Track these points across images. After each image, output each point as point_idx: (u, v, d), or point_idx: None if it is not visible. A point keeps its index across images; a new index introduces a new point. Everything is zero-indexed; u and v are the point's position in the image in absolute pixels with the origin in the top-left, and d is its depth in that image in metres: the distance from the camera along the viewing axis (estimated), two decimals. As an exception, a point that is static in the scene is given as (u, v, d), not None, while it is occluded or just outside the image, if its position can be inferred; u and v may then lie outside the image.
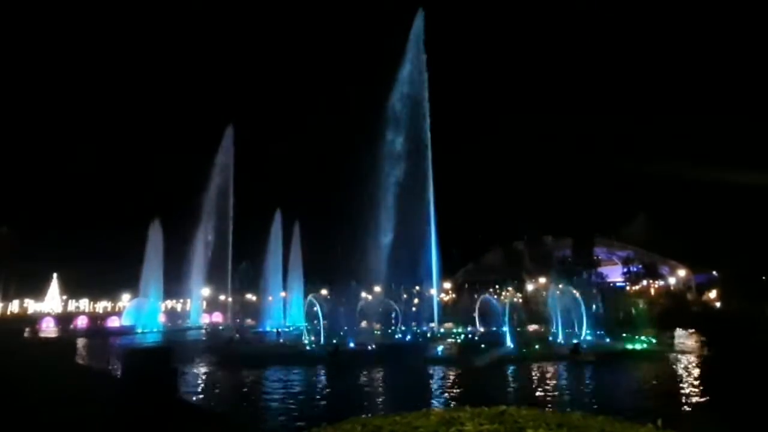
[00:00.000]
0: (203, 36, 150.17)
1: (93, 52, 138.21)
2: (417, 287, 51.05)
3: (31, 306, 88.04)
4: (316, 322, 35.84)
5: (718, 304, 63.52)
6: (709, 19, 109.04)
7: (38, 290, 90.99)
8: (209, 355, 30.94)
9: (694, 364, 26.72)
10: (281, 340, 37.77)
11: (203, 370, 26.38)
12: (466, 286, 77.44)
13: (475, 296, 48.27)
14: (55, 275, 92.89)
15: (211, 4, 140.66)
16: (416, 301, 52.16)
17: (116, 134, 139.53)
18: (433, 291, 47.42)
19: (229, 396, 20.16)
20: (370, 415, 3.61)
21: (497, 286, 73.80)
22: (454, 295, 74.91)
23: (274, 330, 45.72)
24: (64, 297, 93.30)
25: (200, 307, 69.94)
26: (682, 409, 16.39)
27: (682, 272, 76.80)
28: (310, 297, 39.81)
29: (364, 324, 44.14)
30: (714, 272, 70.88)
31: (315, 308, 35.72)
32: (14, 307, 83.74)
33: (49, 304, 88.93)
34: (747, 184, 55.94)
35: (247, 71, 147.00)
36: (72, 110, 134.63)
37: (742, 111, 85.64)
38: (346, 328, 37.88)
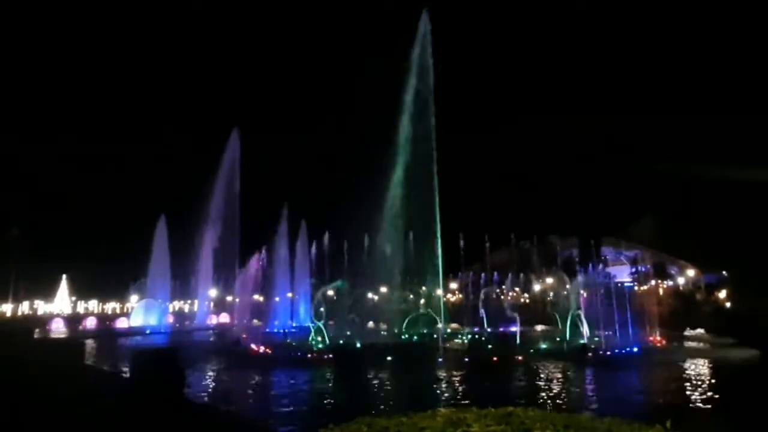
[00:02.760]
0: (210, 35, 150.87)
1: (99, 52, 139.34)
2: (423, 287, 50.95)
3: (41, 307, 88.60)
4: (322, 322, 35.88)
5: (728, 304, 62.96)
6: (716, 19, 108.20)
7: (48, 291, 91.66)
8: (216, 355, 31.03)
9: (704, 365, 26.49)
10: (288, 341, 37.82)
11: (211, 371, 26.46)
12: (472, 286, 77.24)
13: (481, 296, 48.14)
14: (64, 276, 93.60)
15: (216, 5, 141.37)
16: (422, 301, 52.06)
17: (123, 135, 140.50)
18: (439, 291, 47.29)
19: (236, 396, 20.23)
20: (375, 414, 3.61)
21: (503, 287, 73.55)
22: (460, 296, 74.74)
23: (281, 330, 45.76)
24: (74, 298, 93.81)
25: (207, 307, 70.15)
26: (692, 409, 16.25)
27: (691, 272, 76.16)
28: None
29: (370, 324, 44.15)
30: (723, 272, 70.21)
31: (321, 309, 35.80)
32: (24, 308, 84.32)
33: (59, 305, 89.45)
34: (756, 182, 55.39)
35: (253, 70, 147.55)
36: (81, 112, 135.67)
37: (750, 109, 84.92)
38: (352, 328, 37.91)
